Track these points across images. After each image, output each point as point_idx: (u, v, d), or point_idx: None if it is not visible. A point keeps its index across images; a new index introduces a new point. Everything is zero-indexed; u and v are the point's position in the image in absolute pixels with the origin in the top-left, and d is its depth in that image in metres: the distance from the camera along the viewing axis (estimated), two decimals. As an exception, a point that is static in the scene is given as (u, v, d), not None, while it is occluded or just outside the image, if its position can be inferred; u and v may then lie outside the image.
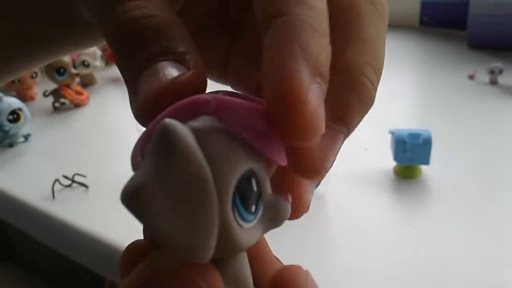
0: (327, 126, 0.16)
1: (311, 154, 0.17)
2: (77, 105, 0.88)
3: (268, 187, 0.16)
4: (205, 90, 0.17)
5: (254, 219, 0.15)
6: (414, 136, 0.53)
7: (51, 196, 0.60)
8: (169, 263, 0.15)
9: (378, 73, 0.19)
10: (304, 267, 0.17)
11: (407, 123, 0.67)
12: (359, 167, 0.59)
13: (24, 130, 0.76)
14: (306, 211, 0.19)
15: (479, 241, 0.46)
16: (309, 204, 0.19)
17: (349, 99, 0.18)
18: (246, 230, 0.15)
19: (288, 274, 0.17)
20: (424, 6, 1.06)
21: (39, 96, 0.95)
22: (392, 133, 0.56)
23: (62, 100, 0.87)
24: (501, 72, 0.81)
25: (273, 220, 0.17)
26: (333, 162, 0.18)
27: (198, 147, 0.13)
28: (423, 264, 0.44)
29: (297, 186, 0.18)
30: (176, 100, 0.15)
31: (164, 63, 0.17)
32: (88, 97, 0.90)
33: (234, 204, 0.14)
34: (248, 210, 0.15)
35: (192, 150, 0.13)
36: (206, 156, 0.14)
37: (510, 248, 0.45)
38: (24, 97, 0.93)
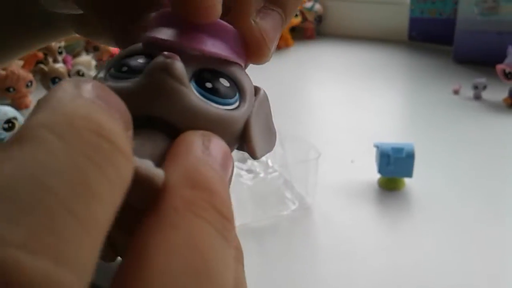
0: (265, 7, 0.20)
1: (255, 36, 0.19)
2: (71, 114, 0.89)
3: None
4: None
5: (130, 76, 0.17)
6: (397, 150, 0.56)
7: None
8: None
9: None
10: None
11: (392, 136, 0.69)
12: (345, 178, 0.61)
13: (18, 139, 0.78)
14: (267, 49, 0.20)
15: (458, 251, 0.48)
16: (269, 43, 0.20)
17: None
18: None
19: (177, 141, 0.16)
20: (412, 22, 1.09)
21: (33, 105, 0.96)
22: (376, 146, 0.58)
23: (56, 109, 0.89)
24: (484, 87, 0.83)
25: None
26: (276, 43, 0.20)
27: None
28: (405, 272, 0.46)
29: (242, 21, 0.19)
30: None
31: None
32: (82, 106, 0.91)
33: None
34: (118, 69, 0.18)
35: None
36: None
37: (489, 258, 0.47)
38: (19, 106, 0.94)
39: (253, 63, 0.20)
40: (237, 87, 0.19)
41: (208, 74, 0.18)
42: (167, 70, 0.16)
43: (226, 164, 0.16)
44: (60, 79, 0.84)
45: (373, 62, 1.07)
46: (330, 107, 0.87)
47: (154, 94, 0.16)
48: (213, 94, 0.18)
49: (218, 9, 0.18)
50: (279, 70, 1.02)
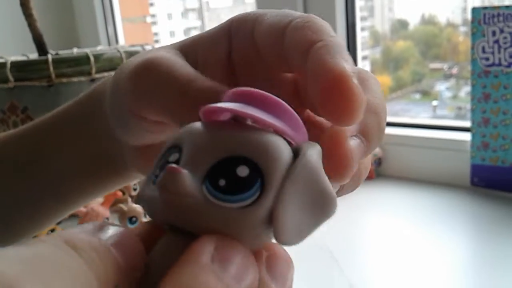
0: (354, 135, 0.23)
1: (345, 153, 0.21)
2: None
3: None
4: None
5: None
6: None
7: None
8: None
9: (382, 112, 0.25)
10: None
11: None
12: None
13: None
14: (351, 169, 0.22)
15: None
16: (354, 162, 0.22)
17: (370, 120, 0.23)
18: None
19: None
20: (474, 168, 1.10)
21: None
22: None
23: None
24: (557, 243, 0.82)
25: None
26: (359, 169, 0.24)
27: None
28: None
29: (336, 137, 0.22)
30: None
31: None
32: (152, 243, 0.96)
33: None
34: (154, 174, 0.19)
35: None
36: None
37: None
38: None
39: (334, 180, 0.22)
40: (260, 171, 0.17)
41: (224, 166, 0.17)
42: (168, 189, 0.17)
43: (240, 273, 0.15)
44: (136, 218, 0.90)
45: (435, 206, 1.07)
46: (393, 255, 0.87)
47: (165, 208, 0.17)
48: (226, 192, 0.17)
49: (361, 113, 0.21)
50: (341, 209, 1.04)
